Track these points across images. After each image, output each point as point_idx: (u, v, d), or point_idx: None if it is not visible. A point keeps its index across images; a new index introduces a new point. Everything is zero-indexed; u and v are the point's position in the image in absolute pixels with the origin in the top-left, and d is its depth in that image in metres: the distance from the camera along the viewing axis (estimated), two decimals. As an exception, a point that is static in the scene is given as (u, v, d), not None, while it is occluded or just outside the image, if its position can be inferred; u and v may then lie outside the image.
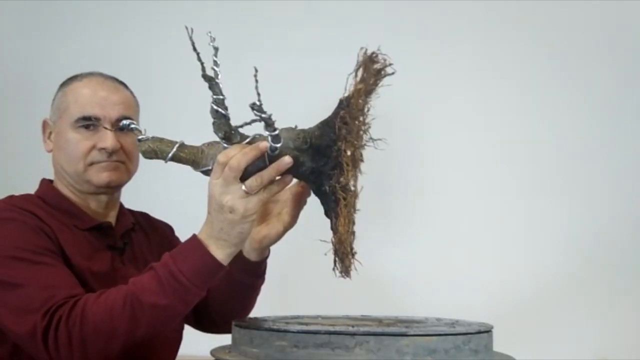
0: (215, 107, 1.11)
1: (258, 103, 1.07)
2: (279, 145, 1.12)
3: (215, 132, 1.14)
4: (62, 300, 1.19)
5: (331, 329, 1.10)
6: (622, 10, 2.17)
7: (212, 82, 1.11)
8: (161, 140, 1.18)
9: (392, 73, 1.11)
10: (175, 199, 2.12)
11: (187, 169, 1.20)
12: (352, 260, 1.14)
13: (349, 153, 1.11)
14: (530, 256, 2.16)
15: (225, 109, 1.12)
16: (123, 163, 1.42)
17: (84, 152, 1.39)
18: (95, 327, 1.16)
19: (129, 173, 1.44)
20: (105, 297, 1.19)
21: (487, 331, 1.18)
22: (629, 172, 2.16)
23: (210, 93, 1.11)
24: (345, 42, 2.23)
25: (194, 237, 1.19)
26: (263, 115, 1.08)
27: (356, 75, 1.11)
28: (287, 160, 1.13)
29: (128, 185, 1.49)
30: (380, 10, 2.23)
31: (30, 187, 1.48)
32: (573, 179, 2.17)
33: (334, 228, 1.14)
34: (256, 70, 1.07)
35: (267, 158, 1.13)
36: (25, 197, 1.41)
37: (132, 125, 1.20)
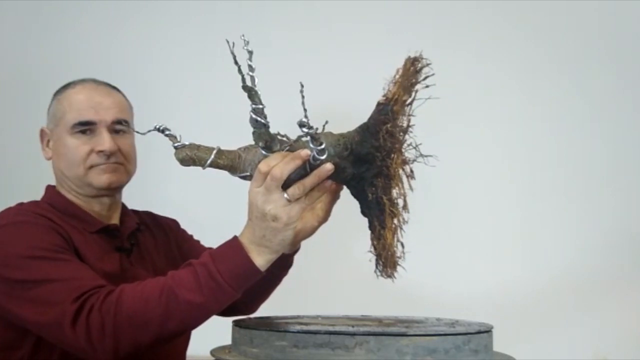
0: (254, 116, 1.10)
1: (305, 120, 1.07)
2: (323, 157, 1.12)
3: (256, 141, 1.14)
4: (91, 288, 1.21)
5: (331, 329, 1.10)
6: (622, 11, 2.17)
7: (251, 92, 1.09)
8: (198, 147, 1.17)
9: (432, 74, 1.11)
10: (175, 199, 2.12)
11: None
12: (397, 267, 1.16)
13: (400, 171, 1.12)
14: (530, 256, 2.16)
15: (265, 117, 1.10)
16: (122, 164, 1.44)
17: (82, 156, 1.42)
18: (129, 316, 1.17)
19: (128, 174, 1.47)
20: (142, 287, 1.20)
21: (487, 331, 1.19)
22: (630, 174, 2.16)
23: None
24: (346, 42, 2.26)
25: (236, 240, 1.19)
26: (310, 131, 1.08)
27: (400, 85, 1.11)
28: (328, 167, 1.14)
29: (128, 186, 1.50)
30: (381, 10, 2.23)
31: (26, 191, 1.49)
32: (574, 180, 2.17)
33: (380, 237, 1.15)
34: (302, 86, 1.06)
35: (308, 165, 1.14)
36: (35, 203, 1.44)
37: (167, 132, 1.17)
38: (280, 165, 1.12)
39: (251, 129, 1.13)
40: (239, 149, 1.18)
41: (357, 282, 2.11)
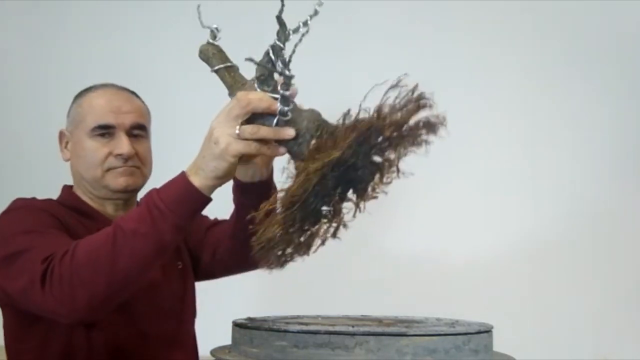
0: (270, 49, 1.11)
1: (279, 43, 1.09)
2: (287, 108, 1.11)
3: (256, 71, 1.14)
4: (58, 249, 1.21)
5: (331, 329, 1.10)
6: (620, 11, 2.18)
7: (282, 27, 1.11)
8: (220, 52, 1.21)
9: (430, 141, 1.06)
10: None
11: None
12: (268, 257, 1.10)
13: (313, 142, 1.09)
14: (529, 256, 2.16)
15: (277, 57, 1.11)
16: (138, 168, 1.47)
17: (101, 159, 1.45)
18: (82, 259, 1.17)
19: (143, 178, 1.50)
20: (95, 234, 1.21)
21: (487, 331, 1.19)
22: (631, 167, 2.17)
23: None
24: (346, 42, 2.26)
25: (182, 171, 1.19)
26: (284, 71, 1.09)
27: (394, 124, 1.05)
28: (289, 132, 1.12)
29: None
30: (381, 10, 2.23)
31: (44, 192, 1.50)
32: (575, 176, 2.18)
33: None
34: (314, 11, 1.10)
35: (277, 122, 1.13)
36: (45, 200, 1.46)
37: (214, 28, 1.20)
38: (252, 97, 1.12)
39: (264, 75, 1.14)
40: (252, 79, 1.17)
41: (357, 282, 2.12)
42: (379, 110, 1.05)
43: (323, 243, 1.10)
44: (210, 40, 1.21)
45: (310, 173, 1.05)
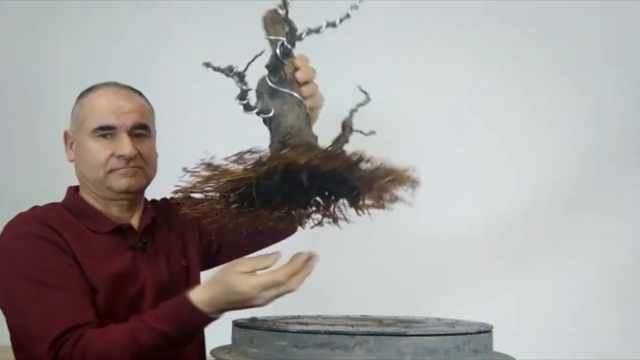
0: (279, 46, 1.16)
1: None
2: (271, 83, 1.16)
3: (270, 58, 1.18)
4: (65, 332, 1.28)
5: (331, 329, 1.10)
6: (620, 11, 2.18)
7: (291, 29, 1.13)
8: (276, 23, 1.22)
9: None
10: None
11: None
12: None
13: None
14: (529, 256, 2.16)
15: (284, 56, 1.16)
16: (141, 168, 1.47)
17: (103, 160, 1.44)
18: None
19: (147, 178, 1.49)
20: (108, 334, 1.27)
21: (487, 331, 1.19)
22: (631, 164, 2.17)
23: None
24: (346, 41, 2.26)
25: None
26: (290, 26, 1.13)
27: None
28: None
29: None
30: (381, 10, 2.23)
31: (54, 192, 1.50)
32: (574, 173, 2.18)
33: None
34: (346, 14, 1.12)
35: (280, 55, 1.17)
36: (50, 208, 1.47)
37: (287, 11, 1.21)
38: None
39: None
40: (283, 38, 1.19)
41: (357, 282, 2.12)
42: (288, 152, 1.10)
43: (319, 224, 1.20)
44: (278, 9, 1.20)
45: (233, 177, 1.11)
